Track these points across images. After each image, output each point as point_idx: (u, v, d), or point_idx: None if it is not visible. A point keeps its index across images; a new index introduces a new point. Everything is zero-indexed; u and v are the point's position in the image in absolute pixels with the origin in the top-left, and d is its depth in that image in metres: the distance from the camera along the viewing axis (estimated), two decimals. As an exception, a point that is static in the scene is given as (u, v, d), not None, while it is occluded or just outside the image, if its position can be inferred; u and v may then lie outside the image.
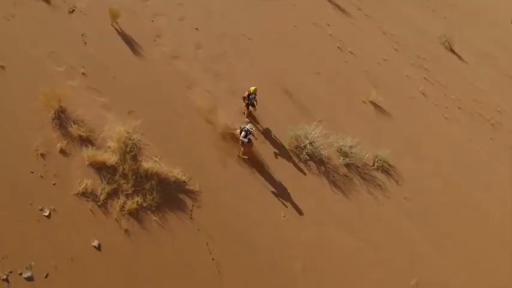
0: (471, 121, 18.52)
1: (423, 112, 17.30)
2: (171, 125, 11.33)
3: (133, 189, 9.48)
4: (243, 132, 11.04)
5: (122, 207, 9.20)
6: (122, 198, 9.28)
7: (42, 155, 9.26)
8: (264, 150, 12.00)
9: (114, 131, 9.93)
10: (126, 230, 9.00)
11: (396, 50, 20.42)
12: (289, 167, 11.97)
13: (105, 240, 8.73)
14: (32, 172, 8.95)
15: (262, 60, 15.01)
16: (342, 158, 12.83)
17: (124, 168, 9.60)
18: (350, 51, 18.13)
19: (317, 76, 15.79)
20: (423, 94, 18.27)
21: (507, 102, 21.12)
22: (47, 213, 8.60)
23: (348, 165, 12.83)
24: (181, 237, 9.36)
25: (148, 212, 9.43)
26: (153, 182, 9.71)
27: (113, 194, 9.30)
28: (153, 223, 9.33)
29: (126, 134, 9.94)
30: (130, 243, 8.91)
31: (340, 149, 12.93)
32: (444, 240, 12.26)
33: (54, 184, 9.01)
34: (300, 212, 10.96)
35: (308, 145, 12.34)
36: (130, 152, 9.85)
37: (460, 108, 18.90)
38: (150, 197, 9.51)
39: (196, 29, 15.04)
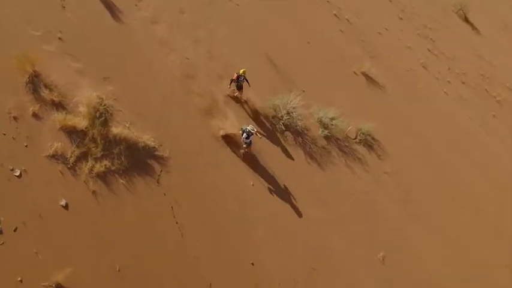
0: (474, 97, 17.66)
1: (420, 86, 16.63)
2: (146, 92, 11.43)
3: (102, 153, 9.76)
4: (245, 134, 10.86)
5: (91, 170, 9.53)
6: (91, 162, 9.60)
7: (14, 117, 9.61)
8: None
9: (85, 96, 10.15)
10: (93, 192, 9.37)
11: (401, 18, 19.41)
12: (264, 137, 11.94)
13: (73, 200, 9.12)
14: (5, 134, 9.33)
15: (249, 27, 14.66)
16: (321, 129, 12.65)
17: (93, 133, 9.88)
18: (347, 20, 17.38)
19: (307, 46, 15.32)
20: (423, 67, 17.46)
21: (518, 79, 20.00)
22: (17, 173, 9.02)
23: (327, 137, 12.66)
24: (147, 201, 9.67)
25: (116, 175, 9.75)
26: (122, 147, 9.96)
27: (82, 157, 9.61)
28: (120, 186, 9.66)
29: (98, 100, 10.13)
30: (97, 204, 9.30)
31: (321, 120, 12.74)
32: (422, 217, 12.11)
33: (26, 146, 9.40)
34: (270, 182, 11.03)
35: (285, 115, 12.20)
36: (100, 117, 10.07)
37: (463, 83, 18.00)
38: (118, 161, 9.80)
39: (181, -8, 14.67)
